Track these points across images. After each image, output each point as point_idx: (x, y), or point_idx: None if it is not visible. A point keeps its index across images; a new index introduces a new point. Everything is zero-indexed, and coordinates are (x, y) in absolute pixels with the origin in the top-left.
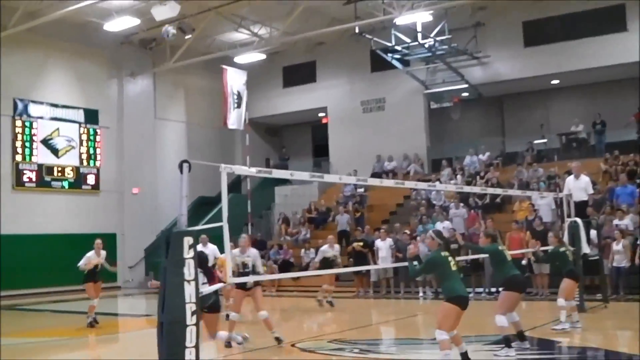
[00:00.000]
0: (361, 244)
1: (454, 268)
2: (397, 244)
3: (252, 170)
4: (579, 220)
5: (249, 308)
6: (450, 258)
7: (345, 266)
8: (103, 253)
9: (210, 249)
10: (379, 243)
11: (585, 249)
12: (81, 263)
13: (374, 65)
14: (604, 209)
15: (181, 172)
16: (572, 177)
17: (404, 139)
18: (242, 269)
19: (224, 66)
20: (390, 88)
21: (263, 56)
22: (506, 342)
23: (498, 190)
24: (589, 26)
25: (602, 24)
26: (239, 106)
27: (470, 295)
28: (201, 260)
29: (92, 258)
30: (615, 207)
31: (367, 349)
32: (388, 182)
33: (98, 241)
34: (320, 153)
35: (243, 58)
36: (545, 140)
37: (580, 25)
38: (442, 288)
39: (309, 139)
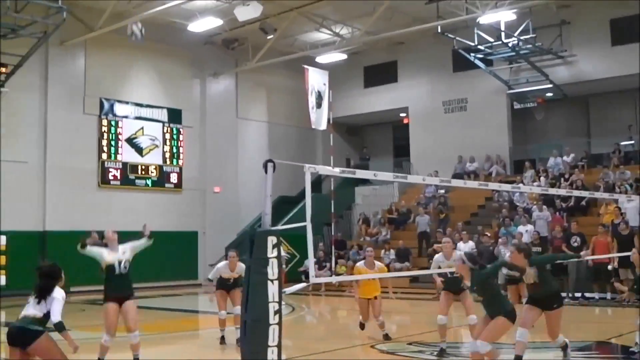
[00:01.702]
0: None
1: None
2: (479, 246)
3: (336, 170)
4: None
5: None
6: None
7: (423, 268)
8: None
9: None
10: (460, 245)
11: None
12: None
13: (455, 65)
14: None
15: (266, 171)
16: None
17: (486, 140)
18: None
19: (306, 66)
20: (472, 88)
21: (344, 56)
22: None
23: (583, 193)
24: None
25: None
26: (319, 106)
27: None
28: None
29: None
30: None
31: (447, 351)
32: (472, 184)
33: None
34: (400, 153)
35: (324, 58)
36: (632, 142)
37: None
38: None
39: (390, 139)
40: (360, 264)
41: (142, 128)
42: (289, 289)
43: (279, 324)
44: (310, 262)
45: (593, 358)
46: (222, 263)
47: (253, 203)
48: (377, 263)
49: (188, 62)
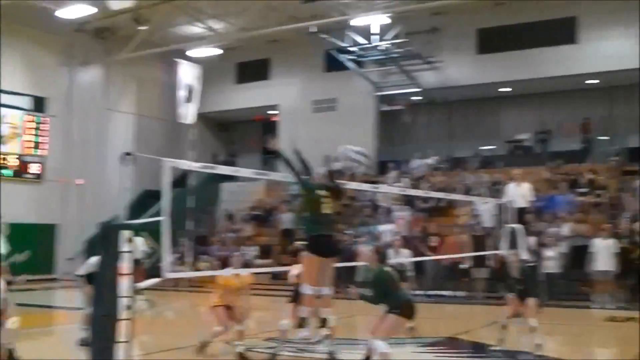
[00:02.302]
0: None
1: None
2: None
3: (196, 165)
4: (518, 226)
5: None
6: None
7: (285, 264)
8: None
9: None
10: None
11: (524, 255)
12: None
13: (327, 66)
14: (543, 216)
15: (123, 164)
16: (513, 184)
17: (353, 140)
18: None
19: (178, 59)
20: (343, 89)
21: (218, 51)
22: None
23: (441, 195)
24: (541, 36)
25: (553, 35)
26: (191, 100)
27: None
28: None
29: None
30: (555, 215)
31: (303, 347)
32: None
33: None
34: (269, 151)
35: (198, 52)
36: (492, 147)
37: (532, 35)
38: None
39: (259, 136)
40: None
41: (3, 116)
42: (142, 284)
43: (131, 319)
44: (165, 257)
45: (442, 353)
46: (96, 258)
47: (116, 196)
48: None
49: (56, 49)
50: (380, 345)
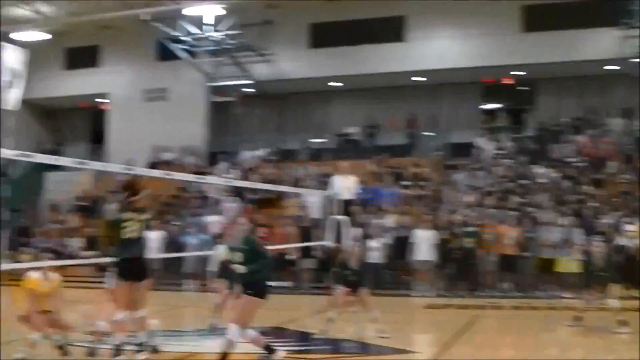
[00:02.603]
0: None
1: None
2: (169, 235)
3: (11, 154)
4: (343, 218)
5: None
6: None
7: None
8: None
9: None
10: (149, 234)
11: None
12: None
13: (159, 55)
14: (368, 208)
15: None
16: (339, 176)
17: (184, 131)
18: None
19: (2, 42)
20: (175, 79)
21: (46, 35)
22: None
23: (269, 186)
24: (371, 34)
25: (382, 32)
26: (14, 86)
27: None
28: None
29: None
30: (379, 207)
31: (126, 340)
32: (156, 173)
33: None
34: (98, 140)
35: (24, 35)
36: (322, 140)
37: (363, 32)
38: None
39: (88, 124)
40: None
41: None
42: None
43: None
44: None
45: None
46: None
47: None
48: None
49: None
50: (235, 332)
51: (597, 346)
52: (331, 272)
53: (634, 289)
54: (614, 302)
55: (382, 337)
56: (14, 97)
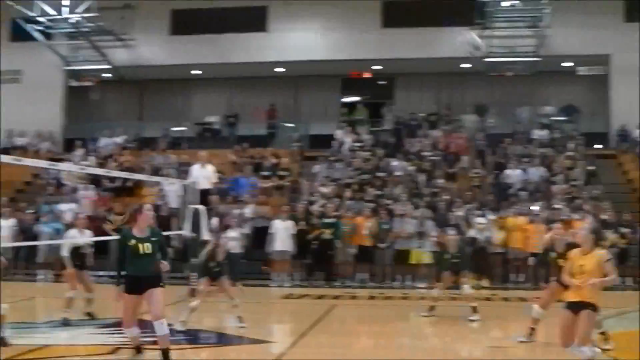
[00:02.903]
0: None
1: None
2: (22, 224)
3: None
4: (201, 207)
5: None
6: None
7: None
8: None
9: None
10: (2, 222)
11: (205, 235)
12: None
13: (13, 35)
14: (227, 198)
15: None
16: (198, 165)
17: (39, 115)
18: None
19: None
20: (29, 60)
21: None
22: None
23: (127, 174)
24: (234, 22)
25: (245, 22)
26: None
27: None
28: None
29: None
30: (238, 197)
31: None
32: (6, 159)
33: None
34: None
35: None
36: (183, 129)
37: (225, 20)
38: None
39: None
40: None
41: None
42: None
43: None
44: None
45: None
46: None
47: None
48: None
49: None
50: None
51: (449, 334)
52: (194, 263)
53: (484, 279)
54: (467, 290)
55: (240, 328)
56: None
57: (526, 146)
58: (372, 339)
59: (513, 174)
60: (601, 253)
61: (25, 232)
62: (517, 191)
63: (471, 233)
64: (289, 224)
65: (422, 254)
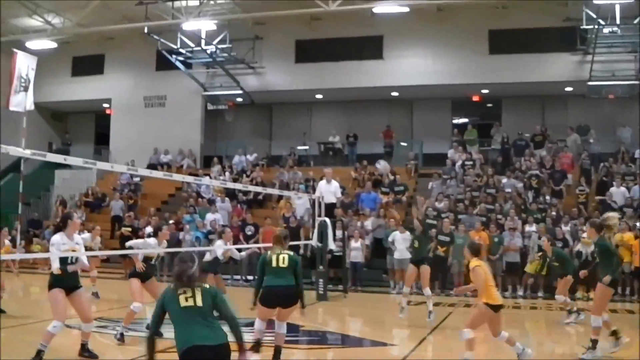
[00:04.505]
0: (129, 229)
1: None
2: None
3: (27, 152)
4: (327, 219)
5: None
6: None
7: (114, 249)
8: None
9: None
10: (148, 229)
11: (331, 245)
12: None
13: (158, 64)
14: (349, 211)
15: None
16: (324, 181)
17: (180, 135)
18: None
19: (15, 50)
20: (172, 87)
21: (54, 44)
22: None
23: (258, 188)
24: (352, 51)
25: (362, 50)
26: (25, 90)
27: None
28: None
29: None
30: (360, 211)
31: (130, 327)
32: (157, 174)
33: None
34: (102, 141)
35: (35, 44)
36: (306, 147)
37: (345, 49)
38: None
39: (93, 127)
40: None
41: None
42: None
43: None
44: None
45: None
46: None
47: None
48: None
49: None
50: None
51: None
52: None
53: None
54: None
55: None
56: (24, 100)
57: (630, 165)
58: (487, 344)
59: (617, 192)
60: None
61: (169, 240)
62: (621, 208)
63: (577, 247)
64: (407, 235)
65: (533, 265)
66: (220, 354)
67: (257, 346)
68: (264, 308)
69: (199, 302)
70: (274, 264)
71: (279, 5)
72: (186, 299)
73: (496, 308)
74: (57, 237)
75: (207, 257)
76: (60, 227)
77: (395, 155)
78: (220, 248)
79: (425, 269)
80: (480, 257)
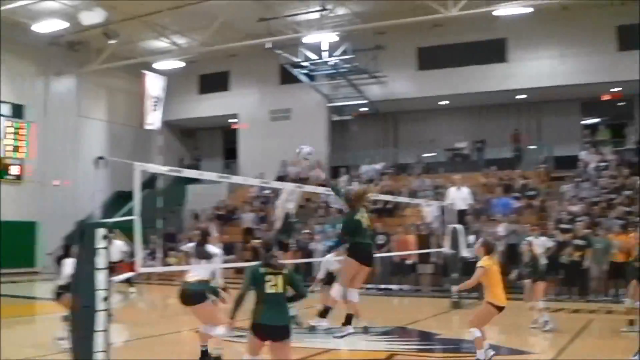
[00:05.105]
0: (260, 241)
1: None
2: (298, 243)
3: (164, 169)
4: (459, 226)
5: None
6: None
7: (247, 260)
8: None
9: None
10: None
11: (464, 252)
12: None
13: (282, 78)
14: (481, 217)
15: (96, 167)
16: (454, 188)
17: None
18: None
19: (144, 71)
20: (297, 100)
21: (181, 64)
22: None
23: (389, 197)
24: (475, 55)
25: (486, 54)
26: (155, 109)
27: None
28: None
29: None
30: (491, 217)
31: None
32: (289, 185)
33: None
34: (230, 156)
35: (163, 65)
36: (433, 154)
37: (468, 54)
38: None
39: (221, 142)
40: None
41: None
42: (117, 278)
43: (107, 310)
44: (138, 253)
45: (392, 341)
46: (71, 264)
47: (90, 196)
48: None
49: (33, 61)
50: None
51: None
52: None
53: None
54: None
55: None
56: (156, 119)
57: None
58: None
59: None
60: None
61: (302, 249)
62: None
63: None
64: (542, 240)
65: None
66: (282, 332)
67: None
68: None
69: (280, 289)
70: None
71: (399, 14)
72: (271, 286)
73: (500, 309)
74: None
75: (320, 274)
76: (200, 242)
77: (525, 159)
78: (331, 264)
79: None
80: (492, 257)
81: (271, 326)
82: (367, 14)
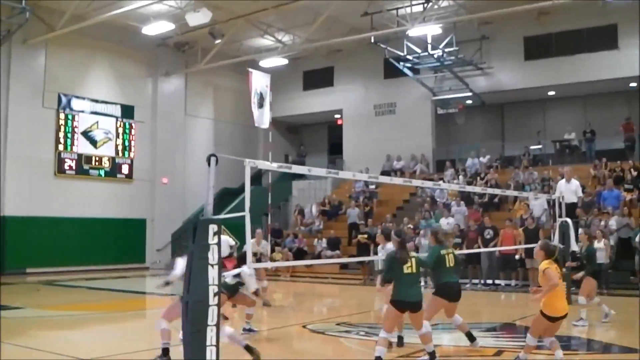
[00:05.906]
0: (365, 236)
1: (407, 270)
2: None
3: (274, 165)
4: (569, 220)
5: None
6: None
7: (352, 256)
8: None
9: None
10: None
11: (574, 246)
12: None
13: (386, 72)
14: (591, 210)
15: (209, 164)
16: (563, 180)
17: (412, 141)
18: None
19: (250, 69)
20: (401, 94)
21: (285, 61)
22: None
23: (496, 190)
24: (584, 43)
25: (596, 41)
26: (262, 106)
27: (467, 285)
28: None
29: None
30: (602, 210)
31: (370, 332)
32: (397, 180)
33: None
34: (335, 151)
35: (267, 62)
36: (540, 146)
37: (576, 41)
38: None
39: (325, 137)
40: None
41: (97, 122)
42: (228, 273)
43: (218, 305)
44: (248, 250)
45: (499, 338)
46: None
47: (198, 194)
48: None
49: (142, 62)
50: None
51: None
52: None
53: None
54: None
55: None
56: (263, 116)
57: None
58: None
59: None
60: None
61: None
62: None
63: None
64: None
65: None
66: (417, 306)
67: None
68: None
69: (414, 270)
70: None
71: (504, 3)
72: (407, 267)
73: (553, 320)
74: None
75: None
76: None
77: (637, 150)
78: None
79: None
80: (552, 261)
81: (409, 302)
82: (472, 5)
